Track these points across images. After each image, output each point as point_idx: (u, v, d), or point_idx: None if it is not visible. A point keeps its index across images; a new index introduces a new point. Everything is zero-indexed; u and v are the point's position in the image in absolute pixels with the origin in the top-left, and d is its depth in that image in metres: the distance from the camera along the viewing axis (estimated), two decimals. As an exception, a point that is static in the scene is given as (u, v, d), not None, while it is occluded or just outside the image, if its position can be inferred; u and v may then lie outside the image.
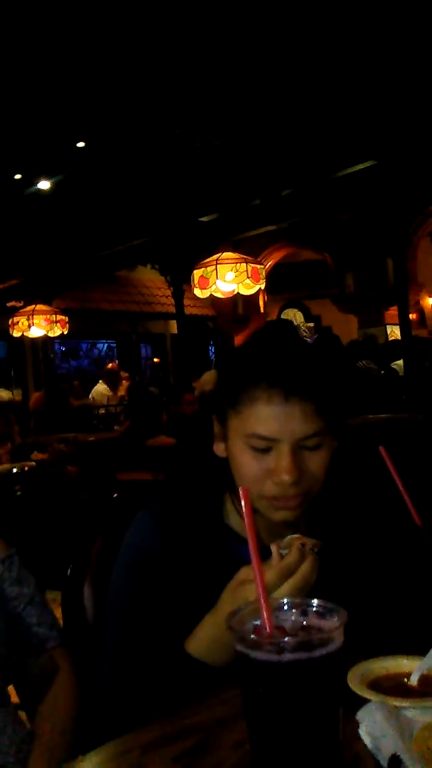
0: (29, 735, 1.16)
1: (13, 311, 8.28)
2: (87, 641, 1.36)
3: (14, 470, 4.53)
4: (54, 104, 5.34)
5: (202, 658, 1.02)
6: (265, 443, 1.06)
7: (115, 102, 5.43)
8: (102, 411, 8.98)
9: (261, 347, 1.17)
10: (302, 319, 13.23)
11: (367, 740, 0.77)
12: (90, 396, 9.14)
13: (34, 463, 4.98)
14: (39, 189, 6.36)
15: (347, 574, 1.17)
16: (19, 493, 4.02)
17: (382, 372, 6.02)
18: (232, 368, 1.17)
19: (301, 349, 1.16)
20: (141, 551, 1.18)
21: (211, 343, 14.12)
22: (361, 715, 0.74)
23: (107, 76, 5.09)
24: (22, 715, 1.28)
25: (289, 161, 6.61)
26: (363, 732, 0.78)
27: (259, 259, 9.81)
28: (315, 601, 0.77)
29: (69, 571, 1.56)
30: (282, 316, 12.95)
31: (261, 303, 12.32)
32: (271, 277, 11.36)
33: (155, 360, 14.37)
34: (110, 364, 11.05)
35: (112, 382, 8.92)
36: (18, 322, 7.77)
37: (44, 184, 6.28)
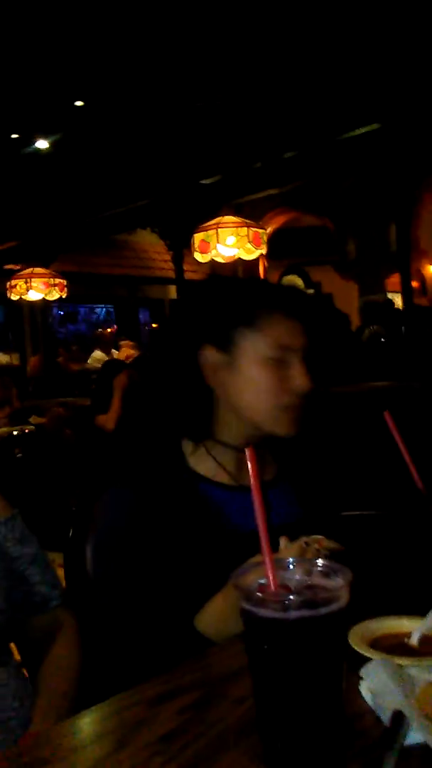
0: (32, 692, 1.17)
1: (11, 274, 8.20)
2: (88, 600, 1.37)
3: (14, 433, 4.55)
4: (52, 62, 5.21)
5: (211, 636, 1.06)
6: (284, 353, 1.20)
7: (115, 60, 5.30)
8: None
9: (266, 281, 1.36)
10: (302, 286, 13.14)
11: (368, 697, 0.78)
12: (88, 361, 9.11)
13: (33, 427, 4.99)
14: (37, 148, 6.25)
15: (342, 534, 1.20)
16: (19, 455, 4.03)
17: (383, 339, 5.99)
18: (248, 292, 1.28)
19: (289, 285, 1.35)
20: (114, 532, 1.20)
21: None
22: (364, 672, 0.75)
23: (107, 34, 4.96)
24: (24, 672, 1.30)
25: (292, 123, 6.49)
26: (364, 689, 0.79)
27: (260, 224, 9.70)
28: (320, 561, 0.77)
29: (70, 532, 1.58)
30: (282, 282, 12.88)
31: (261, 269, 12.21)
32: (272, 243, 11.22)
33: (153, 325, 14.30)
34: (108, 329, 10.99)
35: (107, 347, 8.86)
36: (15, 285, 7.69)
37: (42, 144, 6.17)
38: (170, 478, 1.21)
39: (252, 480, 0.80)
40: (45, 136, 6.09)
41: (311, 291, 12.71)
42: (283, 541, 1.01)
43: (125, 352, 8.48)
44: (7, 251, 8.91)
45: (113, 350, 9.00)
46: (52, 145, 6.21)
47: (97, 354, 8.85)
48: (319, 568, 0.77)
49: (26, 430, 4.66)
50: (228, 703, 0.84)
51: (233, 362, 1.22)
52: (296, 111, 6.28)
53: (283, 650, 0.71)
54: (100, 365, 8.85)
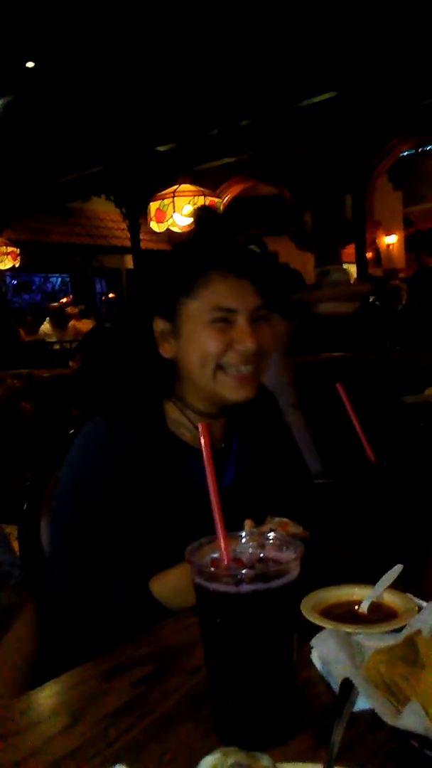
0: None
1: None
2: (43, 574, 1.37)
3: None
4: (2, 20, 4.99)
5: (163, 601, 1.07)
6: (226, 314, 1.19)
7: (68, 20, 5.11)
8: (56, 346, 8.82)
9: (207, 239, 1.33)
10: (259, 256, 13.09)
11: (318, 665, 0.80)
12: (38, 333, 8.94)
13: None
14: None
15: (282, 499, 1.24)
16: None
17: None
18: (181, 261, 1.27)
19: (238, 240, 1.36)
20: (92, 466, 1.21)
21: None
22: (315, 641, 0.77)
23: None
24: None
25: (249, 90, 6.40)
26: (315, 658, 0.81)
27: (216, 193, 9.59)
28: (272, 534, 0.78)
29: (25, 505, 1.56)
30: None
31: (218, 238, 12.13)
32: (229, 213, 11.14)
33: (110, 295, 14.11)
34: (63, 300, 10.78)
35: (59, 321, 8.70)
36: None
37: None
38: (147, 429, 1.23)
39: (205, 457, 0.80)
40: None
41: (254, 247, 12.68)
42: (247, 525, 1.02)
43: (73, 326, 8.36)
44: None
45: (72, 322, 8.86)
46: (2, 108, 5.99)
47: (46, 326, 8.69)
48: (271, 541, 0.77)
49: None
50: (182, 675, 0.85)
51: (178, 330, 1.22)
52: (253, 78, 6.19)
53: (235, 623, 0.72)
54: (49, 338, 8.70)
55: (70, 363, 7.44)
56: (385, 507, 1.18)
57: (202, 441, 0.80)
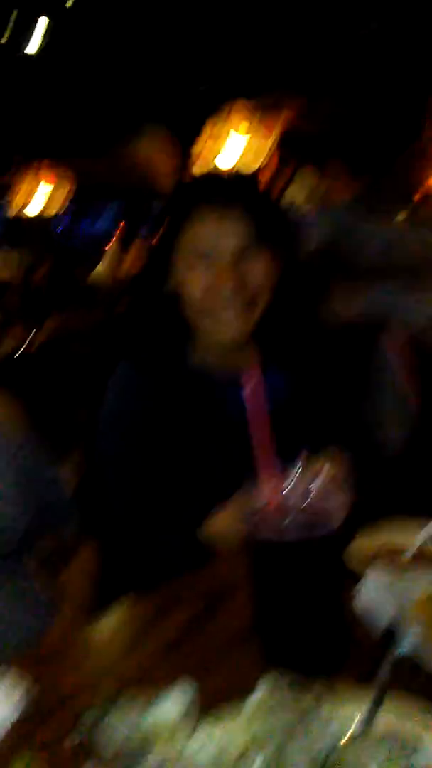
0: (45, 601, 1.24)
1: (14, 178, 7.99)
2: (99, 507, 1.43)
3: (23, 348, 4.58)
4: None
5: (213, 543, 1.11)
6: (205, 258, 1.18)
7: None
8: (105, 289, 8.86)
9: (196, 180, 1.41)
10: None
11: (365, 610, 0.83)
12: (95, 272, 8.98)
13: (38, 341, 5.01)
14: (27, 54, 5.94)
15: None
16: (29, 370, 4.08)
17: None
18: (176, 202, 1.28)
19: (232, 173, 1.39)
20: (121, 408, 1.25)
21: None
22: (361, 586, 0.80)
23: None
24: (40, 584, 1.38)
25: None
26: (361, 602, 0.84)
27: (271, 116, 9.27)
28: (319, 484, 0.80)
29: (82, 443, 1.63)
30: (286, 192, 12.49)
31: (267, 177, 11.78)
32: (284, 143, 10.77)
33: (154, 241, 13.97)
34: (113, 238, 10.75)
35: (114, 261, 8.69)
36: (16, 193, 7.50)
37: (32, 48, 5.87)
38: (171, 368, 1.26)
39: (253, 404, 0.80)
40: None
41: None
42: (299, 464, 1.01)
43: (128, 260, 8.32)
44: (10, 152, 8.60)
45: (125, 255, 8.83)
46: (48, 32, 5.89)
47: (101, 268, 8.69)
48: (318, 491, 0.79)
49: (34, 345, 4.67)
50: (233, 611, 0.90)
51: (177, 267, 1.22)
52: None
53: (280, 569, 0.75)
54: (107, 279, 8.73)
55: (121, 303, 7.50)
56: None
57: (250, 386, 0.81)
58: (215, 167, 5.84)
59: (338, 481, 0.79)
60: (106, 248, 9.35)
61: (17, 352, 4.67)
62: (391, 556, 0.95)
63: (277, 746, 0.59)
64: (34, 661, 0.87)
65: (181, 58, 6.53)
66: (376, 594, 0.77)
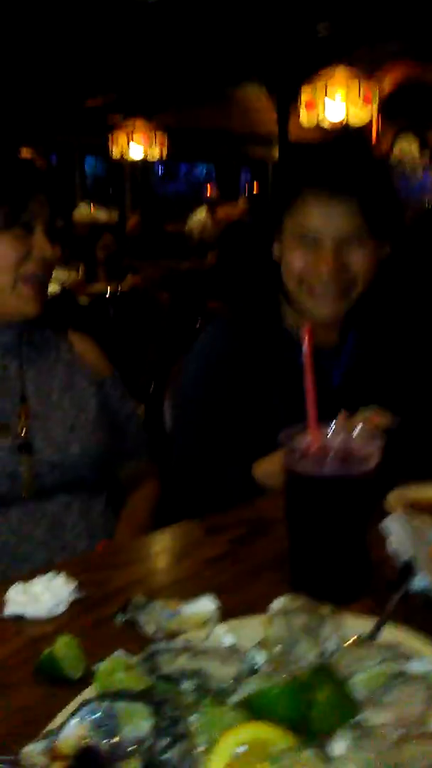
0: (111, 516, 1.37)
1: (113, 129, 8.11)
2: (164, 445, 1.55)
3: (107, 293, 4.75)
4: None
5: (261, 480, 1.20)
6: (311, 239, 1.22)
7: None
8: (193, 242, 8.94)
9: (315, 152, 1.35)
10: (417, 148, 12.16)
11: (390, 545, 0.90)
12: (188, 222, 9.06)
13: (126, 286, 5.18)
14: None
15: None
16: (111, 313, 4.24)
17: None
18: (286, 175, 1.33)
19: (354, 153, 1.34)
20: (211, 357, 1.35)
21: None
22: (387, 521, 0.86)
23: None
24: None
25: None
26: (389, 539, 0.90)
27: (375, 77, 8.93)
28: (359, 427, 0.86)
29: (152, 386, 1.74)
30: (395, 147, 12.00)
31: (374, 132, 11.36)
32: (390, 100, 10.33)
33: (255, 184, 13.86)
34: (209, 188, 10.77)
35: (204, 217, 8.74)
36: (117, 139, 7.63)
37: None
38: (263, 329, 1.34)
39: (305, 357, 0.88)
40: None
41: (425, 160, 11.74)
42: (340, 417, 1.09)
43: (224, 211, 8.33)
44: (109, 105, 8.73)
45: (220, 207, 8.87)
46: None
47: (200, 215, 8.75)
48: (357, 434, 0.86)
49: (119, 290, 4.84)
50: (269, 539, 0.99)
51: (281, 238, 1.29)
52: None
53: (317, 502, 0.83)
54: (200, 226, 8.81)
55: (209, 255, 7.58)
56: None
57: (305, 344, 0.88)
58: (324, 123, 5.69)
59: (374, 432, 0.85)
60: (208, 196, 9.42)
61: (107, 292, 4.85)
62: (423, 507, 1.01)
63: (287, 644, 0.68)
64: (88, 565, 1.00)
65: (285, 17, 6.36)
66: (397, 533, 0.84)
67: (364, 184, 1.23)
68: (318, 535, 0.83)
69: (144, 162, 8.92)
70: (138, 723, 0.52)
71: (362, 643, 0.69)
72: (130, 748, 0.50)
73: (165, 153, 7.92)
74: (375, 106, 5.63)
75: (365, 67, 7.34)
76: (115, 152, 7.80)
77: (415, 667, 0.66)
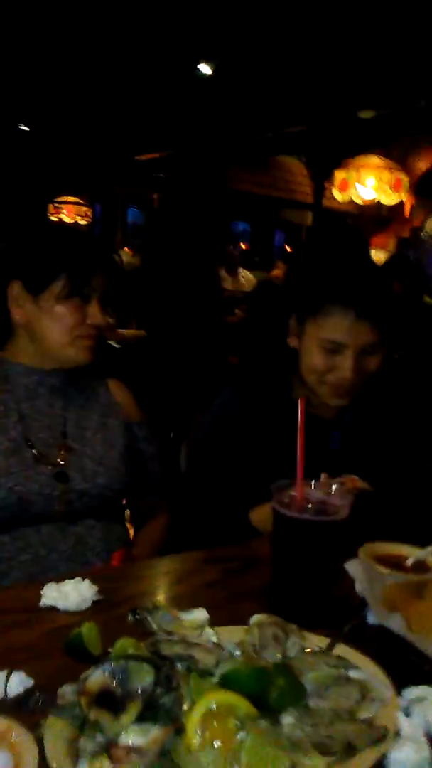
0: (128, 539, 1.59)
1: (157, 183, 8.57)
2: (178, 487, 1.76)
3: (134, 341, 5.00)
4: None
5: (254, 524, 1.42)
6: (335, 346, 1.42)
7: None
8: (226, 293, 9.26)
9: (340, 270, 1.51)
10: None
11: (357, 586, 1.09)
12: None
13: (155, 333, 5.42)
14: (200, 72, 6.40)
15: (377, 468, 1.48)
16: (141, 358, 4.49)
17: None
18: (314, 286, 1.50)
19: (372, 275, 1.51)
20: (223, 417, 1.57)
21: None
22: (347, 564, 1.06)
23: None
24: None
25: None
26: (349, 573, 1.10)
27: (410, 162, 9.34)
28: (335, 486, 1.07)
29: (171, 434, 1.97)
30: (427, 223, 12.43)
31: (407, 206, 11.81)
32: (425, 181, 10.78)
33: (288, 249, 14.33)
34: (240, 246, 11.17)
35: (231, 268, 9.08)
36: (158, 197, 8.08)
37: (205, 68, 6.32)
38: (273, 399, 1.55)
39: (299, 423, 1.10)
40: (208, 61, 6.23)
41: None
42: (323, 477, 1.30)
43: (247, 276, 8.67)
44: (154, 160, 9.24)
45: (240, 269, 9.22)
46: (214, 69, 6.34)
47: (222, 273, 9.08)
48: (333, 491, 1.07)
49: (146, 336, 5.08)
50: (257, 571, 1.19)
51: (301, 334, 1.48)
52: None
53: (297, 540, 1.03)
54: (224, 284, 9.12)
55: (236, 311, 7.87)
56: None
57: (299, 413, 1.10)
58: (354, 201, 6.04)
59: (347, 492, 1.06)
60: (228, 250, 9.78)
61: (133, 340, 5.12)
62: (397, 559, 1.20)
63: (258, 647, 0.88)
64: (107, 575, 1.20)
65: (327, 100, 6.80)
66: (355, 575, 1.04)
67: (383, 308, 1.44)
68: (293, 566, 1.04)
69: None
70: (143, 677, 0.73)
71: (317, 654, 0.89)
72: (135, 693, 0.71)
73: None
74: (404, 192, 5.95)
75: (401, 151, 7.76)
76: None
77: (354, 674, 0.85)
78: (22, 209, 9.48)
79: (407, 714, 0.78)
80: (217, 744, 0.69)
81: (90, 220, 10.11)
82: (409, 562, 1.23)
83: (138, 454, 1.63)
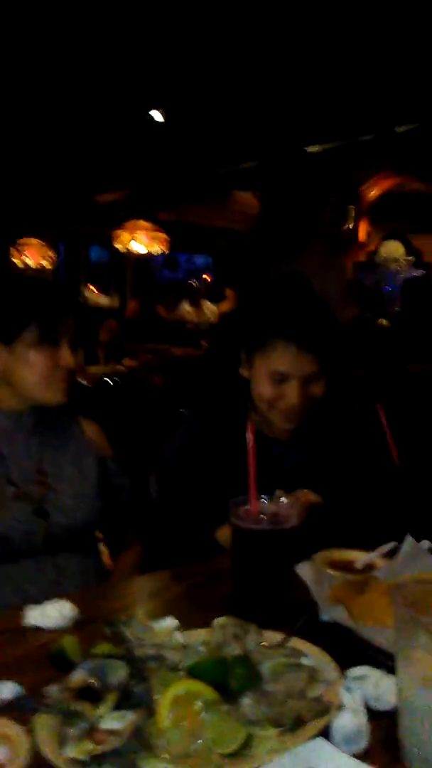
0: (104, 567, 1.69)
1: (119, 221, 8.78)
2: (150, 516, 1.87)
3: (105, 379, 5.14)
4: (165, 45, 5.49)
5: (219, 540, 1.52)
6: (281, 377, 1.55)
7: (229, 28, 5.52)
8: (191, 326, 9.47)
9: (281, 306, 1.62)
10: (402, 252, 13.01)
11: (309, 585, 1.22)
12: (178, 312, 9.61)
13: (124, 368, 5.58)
14: (152, 118, 6.65)
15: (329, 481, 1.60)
16: (109, 394, 4.61)
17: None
18: (258, 321, 1.63)
19: (313, 309, 1.62)
20: (185, 444, 1.70)
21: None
22: (297, 567, 1.19)
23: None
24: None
25: (408, 94, 6.47)
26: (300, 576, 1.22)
27: (363, 190, 9.74)
28: (283, 499, 1.21)
29: (140, 464, 2.08)
30: (382, 248, 12.86)
31: (362, 232, 12.21)
32: (377, 207, 11.20)
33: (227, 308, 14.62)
34: (202, 278, 11.41)
35: (196, 300, 9.32)
36: (120, 235, 8.28)
37: (157, 115, 6.56)
38: (230, 424, 1.66)
39: (248, 446, 1.23)
40: (161, 108, 6.49)
41: (411, 258, 12.56)
42: (278, 492, 1.43)
43: (228, 304, 8.86)
44: (115, 202, 9.47)
45: (204, 301, 9.45)
46: (164, 116, 6.59)
47: (185, 306, 9.31)
48: (283, 504, 1.20)
49: (116, 371, 5.24)
50: (219, 585, 1.30)
51: (251, 366, 1.62)
52: (414, 80, 6.24)
53: (254, 550, 1.16)
54: (187, 317, 9.33)
55: (202, 343, 8.05)
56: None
57: (248, 439, 1.24)
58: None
59: (297, 504, 1.19)
60: (189, 283, 10.01)
61: (108, 376, 5.24)
62: (348, 563, 1.32)
63: (220, 644, 0.99)
64: (86, 596, 1.31)
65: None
66: (305, 577, 1.16)
67: (324, 339, 1.58)
68: (250, 572, 1.16)
69: (147, 254, 9.53)
70: (118, 672, 0.84)
71: (272, 647, 1.01)
72: (112, 686, 0.82)
73: (166, 247, 8.55)
74: (350, 221, 6.21)
75: (354, 176, 8.06)
76: (119, 246, 8.44)
77: (304, 661, 0.98)
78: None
79: (349, 690, 0.91)
80: (184, 723, 0.81)
81: (54, 261, 10.25)
82: (359, 564, 1.37)
83: (111, 488, 1.74)
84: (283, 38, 5.69)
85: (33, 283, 1.73)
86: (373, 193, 11.29)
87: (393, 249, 12.85)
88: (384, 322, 6.18)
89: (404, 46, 5.74)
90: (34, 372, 1.55)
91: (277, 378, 1.56)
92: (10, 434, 1.60)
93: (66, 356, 1.58)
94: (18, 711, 0.87)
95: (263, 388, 1.58)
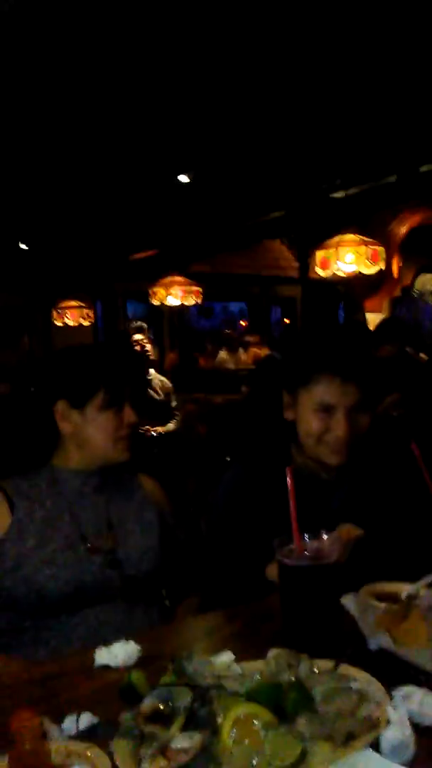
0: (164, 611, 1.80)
1: (153, 277, 9.11)
2: (201, 557, 1.97)
3: (153, 434, 5.29)
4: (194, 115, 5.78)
5: (270, 577, 1.60)
6: (327, 408, 1.63)
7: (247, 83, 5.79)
8: (229, 373, 9.63)
9: (324, 343, 1.74)
10: (436, 286, 13.04)
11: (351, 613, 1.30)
12: (215, 361, 9.81)
13: (171, 426, 5.73)
14: (179, 181, 6.98)
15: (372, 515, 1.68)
16: (155, 450, 4.75)
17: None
18: (302, 359, 1.73)
19: (354, 344, 1.73)
20: (232, 490, 1.80)
21: (341, 305, 14.31)
22: (343, 599, 1.28)
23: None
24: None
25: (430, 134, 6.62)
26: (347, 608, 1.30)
27: (390, 228, 9.88)
28: (325, 536, 1.30)
29: (191, 509, 2.20)
30: (416, 282, 12.92)
31: (395, 268, 12.32)
32: (407, 241, 11.31)
33: (285, 321, 14.82)
34: (238, 326, 11.63)
35: (232, 348, 9.51)
36: (156, 292, 8.59)
37: (184, 178, 6.88)
38: (275, 467, 1.70)
39: (289, 489, 1.33)
40: (188, 172, 6.82)
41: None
42: (322, 532, 1.52)
43: (253, 352, 9.06)
44: (148, 259, 9.83)
45: (240, 349, 9.64)
46: (191, 178, 6.91)
47: (223, 354, 9.51)
48: (325, 540, 1.30)
49: (163, 431, 5.39)
50: (272, 623, 1.38)
51: (295, 405, 1.71)
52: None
53: (299, 584, 1.25)
54: (225, 365, 9.51)
55: (242, 388, 8.19)
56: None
57: (288, 480, 1.34)
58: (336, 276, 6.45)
59: (339, 540, 1.29)
60: (225, 333, 10.22)
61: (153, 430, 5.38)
62: (393, 595, 1.39)
63: (275, 672, 1.08)
64: (149, 637, 1.41)
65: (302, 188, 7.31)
66: (351, 609, 1.25)
67: (366, 370, 1.67)
68: (298, 605, 1.25)
69: (181, 306, 9.81)
70: (184, 697, 0.94)
71: (324, 673, 1.10)
72: (179, 710, 0.92)
73: (200, 299, 8.81)
74: (382, 261, 6.34)
75: (379, 222, 8.23)
76: (155, 301, 8.73)
77: (353, 684, 1.06)
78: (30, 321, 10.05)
79: (395, 707, 0.98)
80: (246, 741, 0.90)
81: (92, 320, 10.63)
82: (403, 595, 1.44)
83: (171, 540, 1.85)
84: (302, 91, 5.95)
85: (100, 352, 1.89)
86: (403, 228, 11.44)
87: (428, 281, 12.92)
88: (423, 356, 6.23)
89: (422, 90, 5.93)
90: (102, 432, 1.70)
91: (323, 410, 1.64)
92: (81, 493, 1.74)
93: (129, 415, 1.73)
94: (96, 738, 0.98)
95: (310, 423, 1.67)
